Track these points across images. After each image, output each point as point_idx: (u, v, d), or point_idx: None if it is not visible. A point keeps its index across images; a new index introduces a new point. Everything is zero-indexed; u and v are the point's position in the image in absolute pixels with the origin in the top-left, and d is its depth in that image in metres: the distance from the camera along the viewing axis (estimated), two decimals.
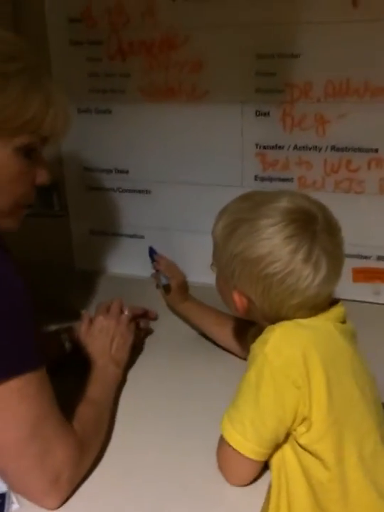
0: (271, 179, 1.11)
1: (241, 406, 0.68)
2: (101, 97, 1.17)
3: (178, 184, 1.19)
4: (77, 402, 0.75)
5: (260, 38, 1.01)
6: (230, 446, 0.68)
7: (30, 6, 1.15)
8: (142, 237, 1.28)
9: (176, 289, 1.07)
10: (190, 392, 0.90)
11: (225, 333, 0.98)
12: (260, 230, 0.68)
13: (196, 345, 1.05)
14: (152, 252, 1.15)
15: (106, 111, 1.18)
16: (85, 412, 0.74)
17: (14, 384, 0.59)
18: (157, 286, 1.12)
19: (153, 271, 1.13)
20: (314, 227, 0.68)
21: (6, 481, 0.67)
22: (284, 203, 0.70)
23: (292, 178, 1.10)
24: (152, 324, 1.10)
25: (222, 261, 0.74)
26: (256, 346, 0.70)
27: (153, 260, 1.13)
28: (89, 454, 0.71)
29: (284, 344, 0.68)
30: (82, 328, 0.95)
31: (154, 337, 1.08)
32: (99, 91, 1.17)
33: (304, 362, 0.65)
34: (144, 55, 1.11)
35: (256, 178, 1.12)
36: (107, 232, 1.31)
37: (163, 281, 1.08)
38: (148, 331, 1.08)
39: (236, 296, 0.73)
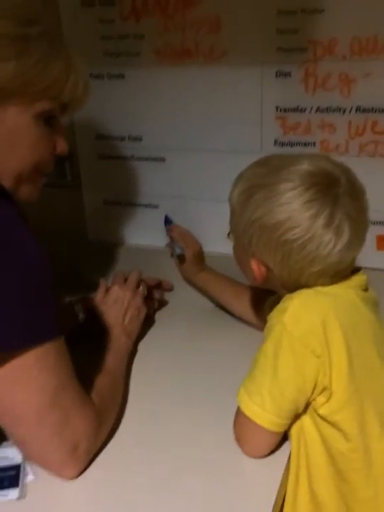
0: (291, 144, 1.07)
1: (258, 377, 0.66)
2: (114, 61, 1.13)
3: (194, 151, 1.15)
4: (93, 372, 0.74)
5: None
6: (247, 417, 0.66)
7: None
8: (157, 206, 1.24)
9: (191, 259, 1.04)
10: (204, 363, 0.88)
11: (242, 304, 0.95)
12: (279, 195, 0.65)
13: (212, 317, 1.02)
14: (167, 221, 1.11)
15: (119, 75, 1.14)
16: (102, 383, 0.73)
17: (34, 354, 0.58)
18: (171, 255, 1.08)
19: (168, 240, 1.09)
20: (336, 190, 0.65)
21: (24, 451, 0.65)
22: (304, 166, 0.66)
23: (314, 142, 1.05)
24: (167, 295, 1.07)
25: (240, 228, 0.71)
26: (274, 315, 0.68)
27: (168, 229, 1.10)
28: (106, 425, 0.70)
29: (303, 313, 0.65)
30: (97, 296, 0.94)
31: (169, 308, 1.05)
32: (112, 54, 1.13)
33: (324, 330, 0.63)
34: (158, 15, 1.06)
35: (276, 142, 1.08)
36: (121, 201, 1.27)
37: (177, 251, 1.04)
38: (163, 302, 1.06)
39: (254, 265, 0.71)
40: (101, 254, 1.26)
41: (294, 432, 0.69)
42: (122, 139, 1.20)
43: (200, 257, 1.05)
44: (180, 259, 1.04)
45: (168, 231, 1.09)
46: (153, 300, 1.02)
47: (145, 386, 0.83)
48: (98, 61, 1.14)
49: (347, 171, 0.68)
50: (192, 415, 0.77)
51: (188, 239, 1.06)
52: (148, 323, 0.97)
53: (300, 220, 0.64)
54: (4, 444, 0.68)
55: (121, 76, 1.14)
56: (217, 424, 0.73)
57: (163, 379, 0.85)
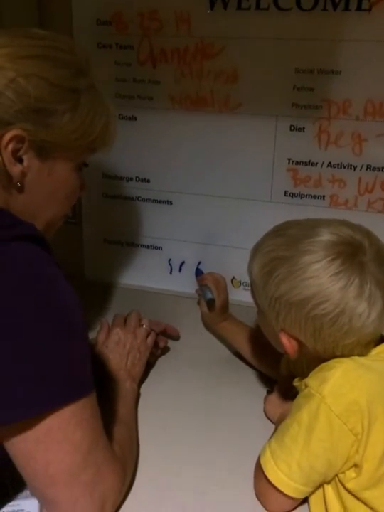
0: (301, 195, 1.09)
1: (288, 444, 0.64)
2: (127, 102, 1.13)
3: (203, 196, 1.15)
4: (107, 421, 0.70)
5: (300, 52, 0.99)
6: (271, 483, 0.64)
7: (56, 7, 1.12)
8: (160, 248, 1.23)
9: (218, 308, 1.01)
10: (210, 409, 0.88)
11: (257, 355, 0.94)
12: (303, 269, 0.64)
13: (216, 363, 1.01)
14: (198, 272, 1.11)
15: (131, 117, 1.15)
16: (119, 433, 0.70)
17: (71, 410, 0.56)
18: (198, 303, 1.05)
19: (198, 287, 1.06)
20: (362, 258, 0.64)
21: (52, 510, 0.60)
22: (325, 236, 0.65)
23: (324, 196, 1.08)
24: (169, 342, 1.05)
25: (264, 303, 0.69)
26: (312, 384, 0.65)
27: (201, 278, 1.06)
28: (129, 476, 0.68)
29: (345, 388, 0.63)
30: (99, 338, 0.93)
31: (171, 355, 1.03)
32: (126, 96, 1.14)
33: (368, 410, 0.61)
34: (176, 62, 1.08)
35: (286, 193, 1.10)
36: (122, 241, 1.26)
37: (208, 295, 0.99)
38: (165, 349, 1.03)
39: (284, 339, 0.69)
40: (97, 294, 1.23)
41: (313, 500, 0.67)
42: (129, 179, 1.20)
43: (226, 306, 1.02)
44: (210, 304, 1.00)
45: (202, 279, 1.04)
46: (157, 347, 0.99)
47: (152, 433, 0.81)
48: (111, 102, 1.14)
49: (369, 234, 0.67)
50: (203, 468, 0.75)
51: (221, 287, 1.01)
52: (148, 369, 0.95)
53: (329, 293, 0.63)
54: (20, 495, 0.65)
55: (134, 118, 1.15)
56: (231, 476, 0.73)
57: (161, 431, 0.83)
